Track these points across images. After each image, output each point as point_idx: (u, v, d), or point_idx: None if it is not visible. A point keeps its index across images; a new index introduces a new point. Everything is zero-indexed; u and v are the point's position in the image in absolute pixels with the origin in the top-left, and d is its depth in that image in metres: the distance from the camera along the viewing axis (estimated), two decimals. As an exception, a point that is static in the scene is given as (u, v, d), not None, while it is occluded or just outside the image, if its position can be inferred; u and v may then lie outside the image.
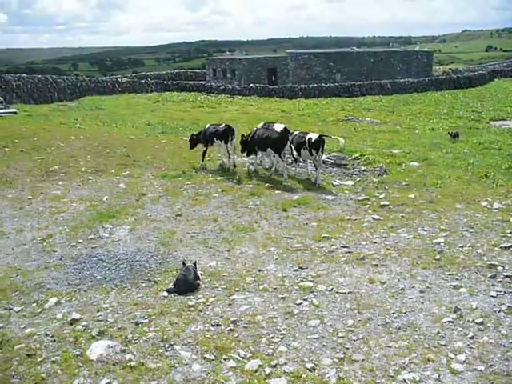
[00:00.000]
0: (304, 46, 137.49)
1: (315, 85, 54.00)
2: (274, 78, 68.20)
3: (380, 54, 65.92)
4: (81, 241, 11.68)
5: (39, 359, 7.08)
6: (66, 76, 57.19)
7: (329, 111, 38.74)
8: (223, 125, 18.59)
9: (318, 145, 16.30)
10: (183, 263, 9.53)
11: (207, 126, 19.12)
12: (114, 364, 6.93)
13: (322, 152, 16.76)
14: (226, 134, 18.09)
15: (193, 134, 19.64)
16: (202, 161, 18.80)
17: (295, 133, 17.62)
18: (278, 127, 17.16)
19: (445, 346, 7.19)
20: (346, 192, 15.44)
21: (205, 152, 18.90)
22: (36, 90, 45.16)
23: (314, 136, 16.56)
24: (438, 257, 10.33)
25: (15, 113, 34.46)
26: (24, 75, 46.69)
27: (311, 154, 16.52)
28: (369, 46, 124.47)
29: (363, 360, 6.92)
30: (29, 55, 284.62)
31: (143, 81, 58.76)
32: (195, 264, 9.51)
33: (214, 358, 7.02)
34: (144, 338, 7.52)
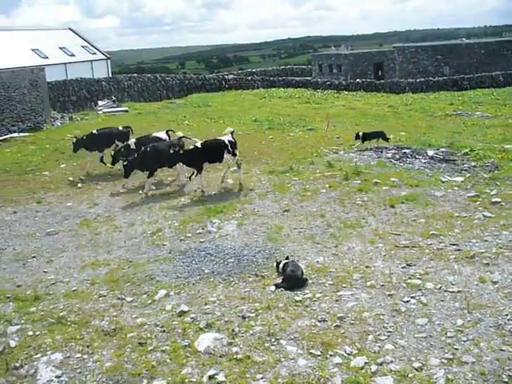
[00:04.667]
0: (410, 40, 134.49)
1: (422, 79, 52.79)
2: (380, 73, 67.34)
3: (491, 44, 63.33)
4: (189, 235, 11.99)
5: (150, 348, 7.38)
6: (174, 74, 58.80)
7: (437, 106, 37.73)
8: (121, 127, 19.91)
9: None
10: (276, 262, 9.68)
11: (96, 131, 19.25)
12: (220, 356, 7.09)
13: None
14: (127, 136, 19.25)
15: (76, 137, 19.31)
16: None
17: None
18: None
19: None
20: (456, 188, 14.98)
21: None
22: (146, 88, 46.71)
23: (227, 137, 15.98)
24: (555, 257, 9.86)
25: (126, 111, 35.87)
26: (135, 75, 48.55)
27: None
28: (479, 36, 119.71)
29: (473, 362, 6.72)
30: (139, 55, 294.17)
31: (249, 77, 59.38)
32: (287, 258, 9.61)
33: (319, 353, 7.04)
34: (250, 332, 7.65)
